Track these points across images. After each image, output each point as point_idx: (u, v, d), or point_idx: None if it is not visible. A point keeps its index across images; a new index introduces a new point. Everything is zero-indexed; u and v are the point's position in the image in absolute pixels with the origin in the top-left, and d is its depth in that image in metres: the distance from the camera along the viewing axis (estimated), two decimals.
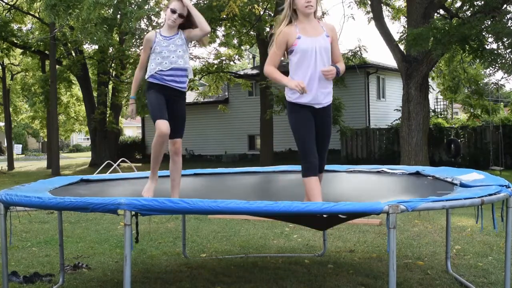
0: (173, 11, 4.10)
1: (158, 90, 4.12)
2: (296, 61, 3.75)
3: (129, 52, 19.61)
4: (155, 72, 4.11)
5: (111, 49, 22.45)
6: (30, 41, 23.13)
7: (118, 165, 16.10)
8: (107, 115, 24.13)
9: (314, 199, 3.68)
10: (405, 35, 13.16)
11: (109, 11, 13.45)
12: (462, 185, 3.92)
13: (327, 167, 4.42)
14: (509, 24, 12.29)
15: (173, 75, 4.12)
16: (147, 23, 13.67)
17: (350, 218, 4.41)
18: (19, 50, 24.99)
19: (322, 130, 3.84)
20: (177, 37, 4.18)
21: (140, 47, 14.66)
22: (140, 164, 23.90)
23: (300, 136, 3.80)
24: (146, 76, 4.19)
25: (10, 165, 25.18)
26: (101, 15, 12.19)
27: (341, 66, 3.83)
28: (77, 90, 28.23)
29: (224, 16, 16.08)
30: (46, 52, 22.58)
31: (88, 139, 41.74)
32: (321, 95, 3.76)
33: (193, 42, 4.40)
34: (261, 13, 18.35)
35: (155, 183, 4.34)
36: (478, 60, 13.16)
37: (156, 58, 4.13)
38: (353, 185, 4.99)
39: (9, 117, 26.04)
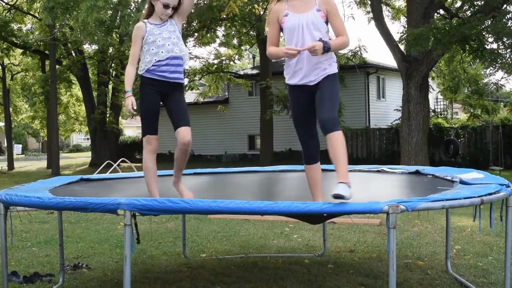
0: (166, 6, 3.87)
1: (153, 88, 3.88)
2: (286, 39, 3.65)
3: (129, 52, 19.62)
4: (152, 65, 3.86)
5: (111, 49, 22.46)
6: (30, 41, 23.14)
7: (118, 165, 16.11)
8: (107, 115, 24.14)
9: (310, 188, 3.74)
10: (405, 35, 13.15)
11: (107, 13, 13.45)
12: (462, 182, 3.92)
13: (327, 166, 4.40)
14: (509, 24, 12.29)
15: (170, 64, 3.87)
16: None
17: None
18: (19, 50, 25.00)
19: (320, 93, 3.55)
20: (168, 24, 3.94)
21: None
22: (140, 164, 23.89)
23: (295, 127, 3.79)
24: (140, 71, 3.93)
25: (10, 165, 25.18)
26: (98, 18, 12.19)
27: (339, 40, 3.56)
28: (77, 90, 28.24)
29: (224, 16, 16.08)
30: (46, 52, 22.59)
31: (88, 139, 41.76)
32: (313, 73, 3.57)
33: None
34: (261, 13, 18.34)
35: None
36: (478, 60, 13.17)
37: (151, 49, 3.87)
38: (353, 184, 4.98)
39: (9, 117, 26.04)
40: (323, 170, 3.89)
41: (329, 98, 3.51)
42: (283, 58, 3.72)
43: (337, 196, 3.11)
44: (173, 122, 3.97)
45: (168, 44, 3.87)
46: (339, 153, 3.36)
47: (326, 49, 3.45)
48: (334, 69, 3.61)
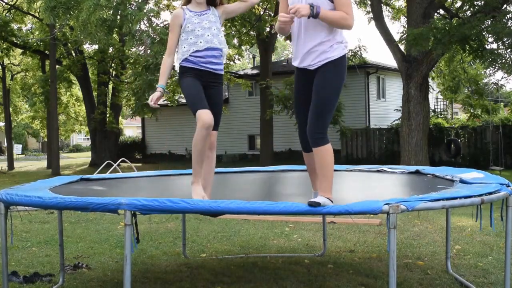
0: None
1: (193, 76, 3.64)
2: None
3: (129, 52, 19.62)
4: (190, 55, 3.63)
5: (111, 49, 22.45)
6: (30, 41, 23.13)
7: (118, 165, 16.10)
8: (107, 115, 24.14)
9: (309, 175, 3.66)
10: (405, 35, 13.15)
11: (109, 12, 13.45)
12: (462, 181, 3.92)
13: None
14: (509, 24, 12.29)
15: (210, 55, 3.65)
16: (147, 24, 13.68)
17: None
18: (19, 50, 24.99)
19: (314, 93, 3.36)
20: (210, 13, 3.71)
21: (140, 48, 14.63)
22: (140, 164, 23.91)
23: (294, 106, 3.66)
24: (177, 61, 3.71)
25: (10, 165, 25.17)
26: (100, 18, 12.19)
27: (336, 13, 3.24)
28: (77, 90, 28.24)
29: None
30: (46, 52, 22.58)
31: (88, 139, 41.74)
32: (310, 57, 3.34)
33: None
34: (261, 13, 18.36)
35: (202, 182, 3.76)
36: (478, 60, 13.16)
37: (189, 38, 3.63)
38: (353, 184, 4.99)
39: (9, 117, 26.03)
40: None
41: (317, 103, 3.29)
42: (289, 32, 3.48)
43: (311, 204, 3.05)
44: None
45: (208, 35, 3.65)
46: (322, 169, 3.25)
47: (315, 13, 3.17)
48: (336, 53, 3.31)
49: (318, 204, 3.06)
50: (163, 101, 23.27)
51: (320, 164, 3.27)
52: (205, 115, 3.53)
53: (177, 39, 3.71)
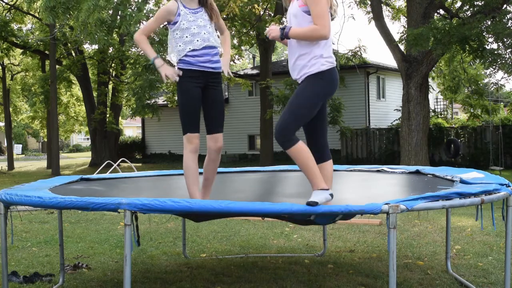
0: None
1: (193, 81, 3.60)
2: None
3: (129, 52, 19.63)
4: (186, 54, 3.58)
5: (111, 49, 22.44)
6: (30, 41, 23.12)
7: (118, 165, 16.10)
8: (107, 115, 24.14)
9: None
10: (405, 35, 13.16)
11: (108, 12, 13.45)
12: (462, 181, 3.93)
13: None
14: (509, 24, 12.29)
15: (208, 54, 3.61)
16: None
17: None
18: (19, 50, 24.97)
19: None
20: (203, 11, 3.68)
21: (140, 49, 14.62)
22: (140, 164, 23.91)
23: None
24: (174, 60, 3.66)
25: (10, 165, 25.17)
26: (99, 18, 12.19)
27: (306, 28, 3.30)
28: (77, 90, 28.22)
29: (224, 16, 16.07)
30: (46, 52, 22.57)
31: (88, 139, 41.76)
32: (295, 71, 3.42)
33: None
34: (261, 13, 18.35)
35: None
36: (478, 60, 13.17)
37: (184, 36, 3.57)
38: (353, 184, 4.99)
39: (9, 117, 26.03)
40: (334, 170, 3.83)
41: (286, 110, 3.35)
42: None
43: (309, 203, 3.09)
44: (208, 124, 3.74)
45: (204, 33, 3.61)
46: (301, 167, 3.29)
47: (284, 34, 3.31)
48: (314, 68, 3.35)
49: (315, 203, 3.08)
50: (163, 101, 23.27)
51: (298, 164, 3.32)
52: (195, 140, 3.63)
53: (156, 28, 3.78)
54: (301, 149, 3.27)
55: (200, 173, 3.89)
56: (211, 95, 3.71)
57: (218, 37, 3.86)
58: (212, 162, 3.81)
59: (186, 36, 3.58)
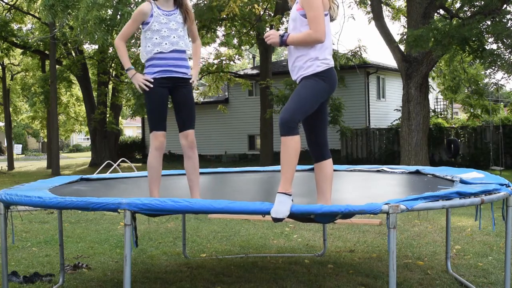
0: None
1: (159, 83, 3.65)
2: None
3: (129, 52, 19.62)
4: (154, 55, 3.62)
5: (111, 49, 22.44)
6: (30, 41, 23.13)
7: (118, 165, 16.10)
8: (107, 115, 24.14)
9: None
10: (405, 36, 13.15)
11: (108, 11, 13.46)
12: (462, 181, 3.93)
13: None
14: (509, 25, 12.29)
15: (175, 58, 3.64)
16: None
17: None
18: (19, 50, 24.99)
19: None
20: (178, 13, 3.67)
21: (139, 47, 14.63)
22: (140, 164, 23.90)
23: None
24: (143, 59, 3.70)
25: (10, 165, 25.18)
26: (98, 16, 12.18)
27: (301, 34, 3.35)
28: (77, 90, 28.24)
29: (224, 16, 16.08)
30: (46, 52, 22.59)
31: (88, 139, 41.75)
32: (293, 73, 3.47)
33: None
34: (261, 13, 18.35)
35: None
36: (478, 61, 13.16)
37: (154, 38, 3.59)
38: (353, 184, 4.99)
39: (9, 117, 26.03)
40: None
41: (290, 99, 3.36)
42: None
43: (274, 220, 3.07)
44: (179, 122, 3.81)
45: (174, 36, 3.63)
46: (283, 159, 3.25)
47: (283, 40, 3.38)
48: (310, 70, 3.38)
49: (277, 220, 3.05)
50: None
51: (282, 156, 3.25)
52: (161, 137, 3.71)
53: (134, 30, 3.77)
54: (296, 144, 3.25)
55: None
56: (180, 95, 3.76)
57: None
58: (189, 159, 3.84)
59: (156, 38, 3.61)
